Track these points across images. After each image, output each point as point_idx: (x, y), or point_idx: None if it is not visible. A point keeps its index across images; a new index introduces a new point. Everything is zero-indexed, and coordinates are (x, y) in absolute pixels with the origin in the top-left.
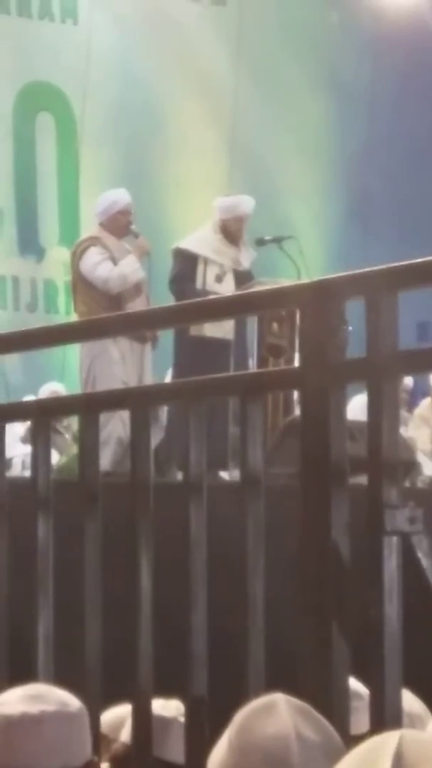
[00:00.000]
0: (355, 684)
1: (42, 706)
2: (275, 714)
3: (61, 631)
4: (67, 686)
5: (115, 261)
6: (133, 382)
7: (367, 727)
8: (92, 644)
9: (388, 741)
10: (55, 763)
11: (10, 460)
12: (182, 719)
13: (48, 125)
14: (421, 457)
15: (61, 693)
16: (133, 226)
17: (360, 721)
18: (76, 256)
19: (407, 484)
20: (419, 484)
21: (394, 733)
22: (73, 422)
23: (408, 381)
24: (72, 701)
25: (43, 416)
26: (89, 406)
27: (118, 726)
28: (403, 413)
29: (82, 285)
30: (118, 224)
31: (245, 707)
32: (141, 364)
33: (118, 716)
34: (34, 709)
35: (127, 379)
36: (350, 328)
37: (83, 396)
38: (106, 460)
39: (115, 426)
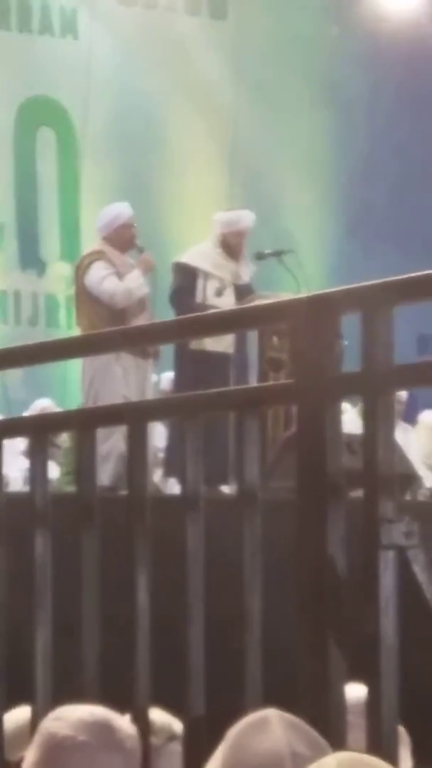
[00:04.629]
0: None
1: (88, 735)
2: (268, 730)
3: (58, 647)
4: (64, 702)
5: (120, 275)
6: (135, 398)
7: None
8: (90, 660)
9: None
10: None
11: (8, 476)
12: (172, 745)
13: (49, 140)
14: (422, 470)
15: (125, 729)
16: (137, 241)
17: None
18: (81, 270)
19: (408, 497)
20: (420, 498)
21: (330, 758)
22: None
23: (402, 392)
24: (129, 740)
25: (40, 432)
26: (86, 422)
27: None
28: (401, 424)
29: (85, 299)
30: (122, 238)
31: (238, 723)
32: (144, 379)
33: (19, 728)
34: (80, 735)
35: (129, 394)
36: (346, 342)
37: (80, 411)
38: (106, 475)
39: (117, 441)
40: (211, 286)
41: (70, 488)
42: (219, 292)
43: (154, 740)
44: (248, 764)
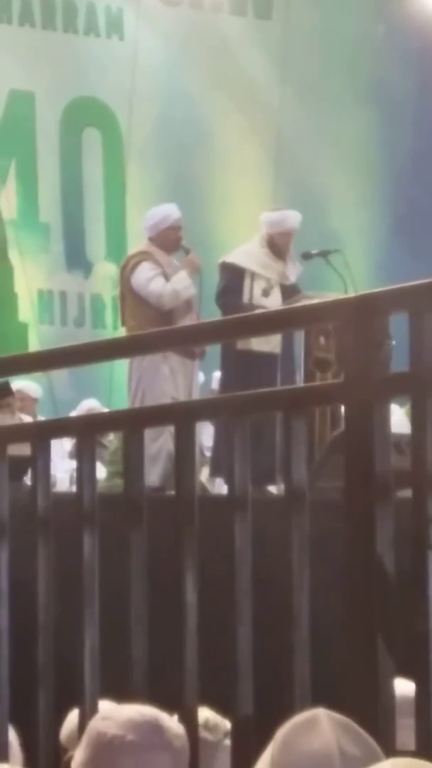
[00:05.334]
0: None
1: (137, 735)
2: (318, 729)
3: (106, 646)
4: (112, 701)
5: (166, 276)
6: (183, 398)
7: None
8: (138, 659)
9: None
10: None
11: (54, 476)
12: (227, 742)
13: (94, 140)
14: None
15: (174, 728)
16: (183, 242)
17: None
18: (127, 270)
19: None
20: None
21: (387, 763)
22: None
23: None
24: (177, 740)
25: (88, 432)
26: (133, 422)
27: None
28: None
29: (132, 299)
30: (168, 239)
31: (287, 723)
32: (191, 379)
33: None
34: (129, 735)
35: (176, 394)
36: (393, 342)
37: (127, 411)
38: (155, 476)
39: (166, 441)
40: (258, 286)
41: (118, 485)
42: (266, 293)
43: (211, 737)
44: (297, 764)
